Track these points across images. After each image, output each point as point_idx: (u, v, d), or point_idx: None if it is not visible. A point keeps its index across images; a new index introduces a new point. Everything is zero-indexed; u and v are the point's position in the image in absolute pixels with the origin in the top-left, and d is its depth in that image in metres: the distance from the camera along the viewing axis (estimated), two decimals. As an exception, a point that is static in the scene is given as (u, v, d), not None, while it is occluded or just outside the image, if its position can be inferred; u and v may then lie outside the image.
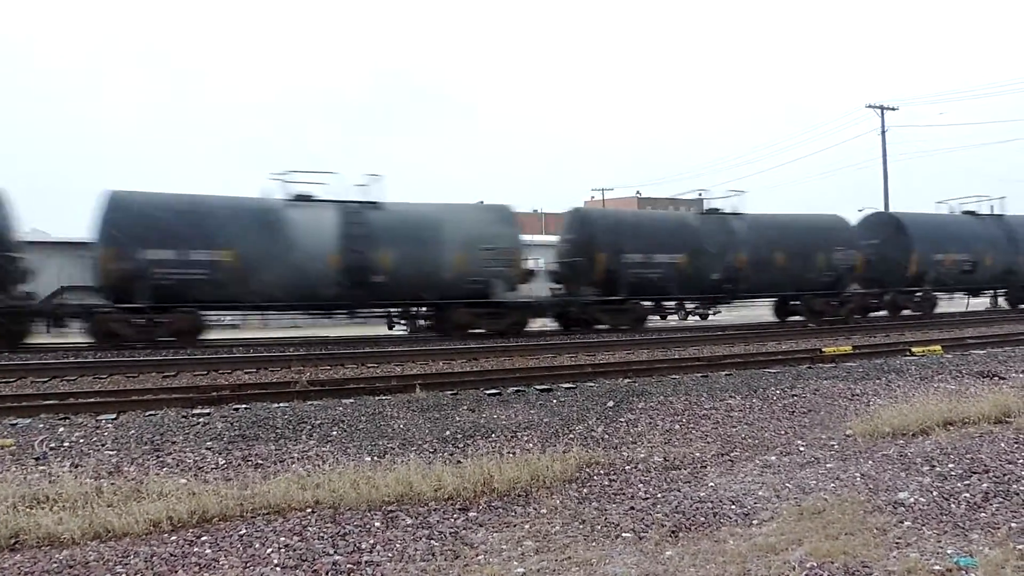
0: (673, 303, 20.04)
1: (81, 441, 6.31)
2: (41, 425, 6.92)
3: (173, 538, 4.13)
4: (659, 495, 4.88)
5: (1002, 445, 5.77)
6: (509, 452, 5.87)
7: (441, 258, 16.56)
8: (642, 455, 5.95)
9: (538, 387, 9.01)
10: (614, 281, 18.34)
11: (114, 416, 7.31)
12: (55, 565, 3.77)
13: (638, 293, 18.72)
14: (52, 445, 6.20)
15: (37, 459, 5.79)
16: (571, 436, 6.59)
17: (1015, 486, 4.74)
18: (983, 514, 4.31)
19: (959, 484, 4.83)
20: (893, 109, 38.79)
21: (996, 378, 9.56)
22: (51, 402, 8.14)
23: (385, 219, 16.30)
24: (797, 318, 21.54)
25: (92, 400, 8.32)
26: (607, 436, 6.64)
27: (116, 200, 14.64)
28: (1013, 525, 4.10)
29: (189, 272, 14.46)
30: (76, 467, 5.52)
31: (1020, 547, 3.74)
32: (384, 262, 15.90)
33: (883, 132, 38.26)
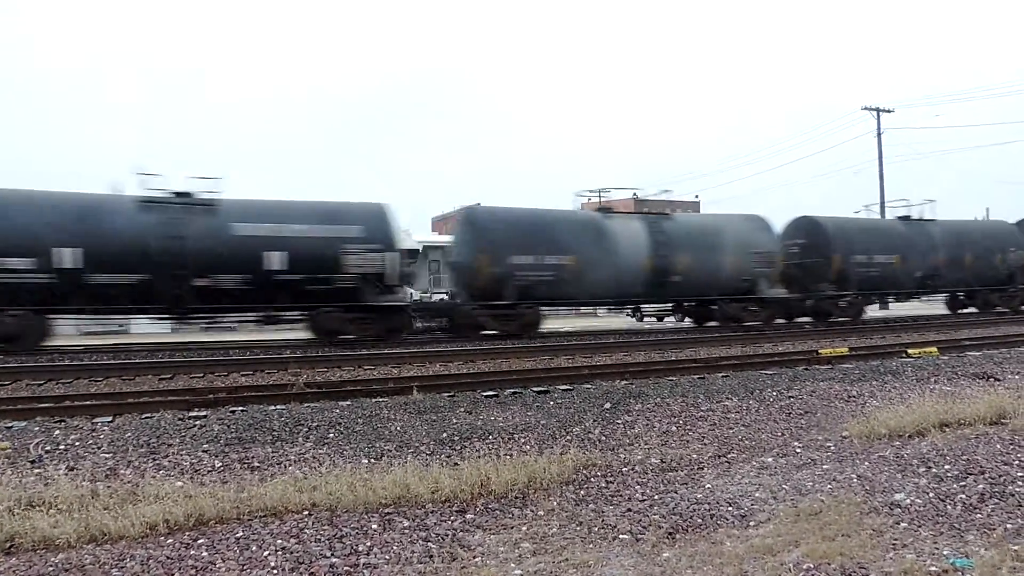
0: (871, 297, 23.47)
1: (77, 444, 6.29)
2: (37, 428, 6.89)
3: (169, 541, 4.12)
4: (656, 497, 4.89)
5: (998, 446, 5.79)
6: (506, 454, 5.87)
7: (721, 261, 19.56)
8: (639, 457, 5.95)
9: (535, 389, 9.01)
10: (845, 279, 21.43)
11: (110, 419, 7.30)
12: (51, 568, 3.76)
13: (862, 289, 21.87)
14: (48, 448, 6.18)
15: (33, 462, 5.77)
16: (568, 438, 6.59)
17: (1011, 487, 4.76)
18: (979, 515, 4.32)
19: (955, 485, 4.85)
20: (889, 111, 38.98)
21: (992, 380, 9.59)
22: (47, 405, 8.12)
23: (677, 228, 19.36)
24: (970, 310, 24.92)
25: (88, 403, 8.29)
26: (604, 438, 6.64)
27: (484, 214, 17.93)
28: (1009, 526, 4.12)
29: (542, 274, 17.23)
30: (72, 470, 5.51)
31: (1016, 548, 3.76)
32: (681, 265, 18.89)
33: (879, 134, 38.42)
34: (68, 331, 18.69)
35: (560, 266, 17.33)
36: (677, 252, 18.80)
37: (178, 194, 15.10)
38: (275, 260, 14.92)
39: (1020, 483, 4.84)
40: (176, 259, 14.36)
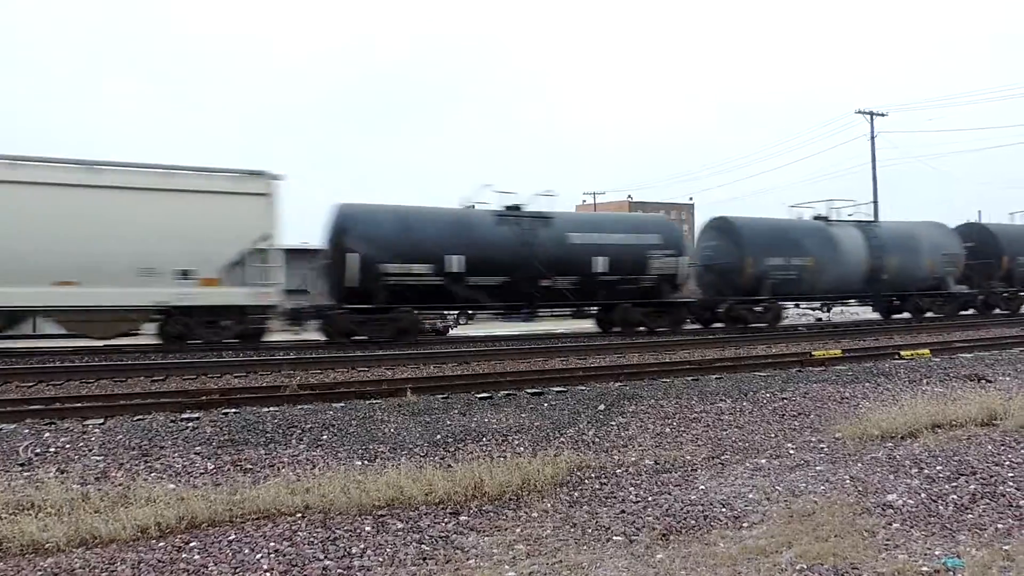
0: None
1: (67, 447, 6.25)
2: (26, 430, 6.83)
3: (161, 544, 4.10)
4: (650, 498, 4.89)
5: (989, 447, 5.82)
6: (500, 456, 5.87)
7: (920, 261, 22.62)
8: (633, 458, 5.96)
9: (529, 391, 9.00)
10: (1011, 276, 24.70)
11: (101, 421, 7.25)
12: (40, 573, 3.73)
13: (1021, 284, 25.25)
14: (37, 451, 6.13)
15: (22, 465, 5.73)
16: (562, 440, 6.59)
17: (1001, 488, 4.79)
18: (970, 515, 4.34)
19: (947, 486, 4.87)
20: (882, 115, 39.15)
21: (983, 381, 9.64)
22: (37, 407, 8.05)
23: (886, 234, 22.55)
24: None
25: (79, 405, 8.23)
26: (598, 440, 6.64)
27: (745, 223, 20.72)
28: (999, 526, 4.14)
29: (788, 274, 20.08)
30: (62, 473, 5.47)
31: (1006, 548, 3.78)
32: (890, 265, 22.01)
33: (872, 138, 38.60)
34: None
35: (802, 267, 20.47)
36: (887, 254, 22.06)
37: (508, 207, 17.84)
38: (600, 264, 17.87)
39: (1010, 483, 4.87)
40: (528, 263, 17.12)
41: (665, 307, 18.87)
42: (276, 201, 14.92)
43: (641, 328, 18.51)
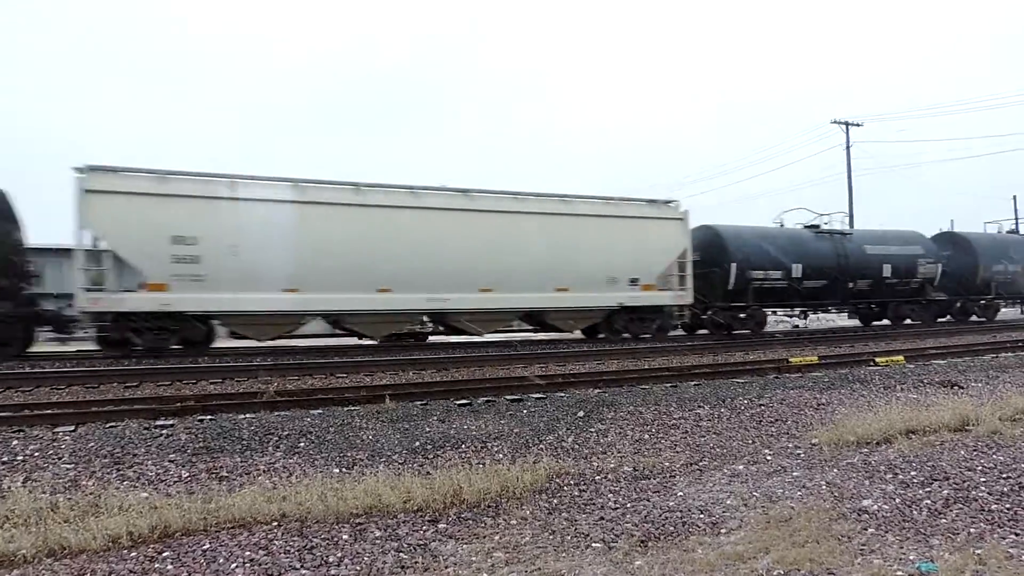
0: None
1: (36, 455, 6.11)
2: (-5, 438, 6.68)
3: (133, 554, 4.02)
4: (629, 505, 4.90)
5: (962, 453, 5.91)
6: (479, 463, 5.85)
7: None
8: (612, 465, 5.97)
9: (508, 397, 8.99)
10: None
11: (72, 428, 7.11)
12: (7, 584, 3.64)
13: None
14: (4, 459, 5.99)
15: (-10, 473, 5.59)
16: (541, 446, 6.58)
17: (974, 492, 4.86)
18: (944, 520, 4.40)
19: (921, 491, 4.93)
20: (858, 125, 39.85)
21: (956, 387, 9.81)
22: (5, 414, 7.87)
23: None
24: None
25: (49, 412, 8.07)
26: (577, 446, 6.64)
27: (974, 236, 25.85)
28: (972, 530, 4.20)
29: (1006, 277, 25.51)
30: (30, 482, 5.35)
31: (978, 552, 3.83)
32: None
33: (847, 147, 39.24)
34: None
35: (1015, 271, 25.69)
36: None
37: (807, 226, 22.36)
38: (886, 270, 22.39)
39: (983, 488, 4.95)
40: (841, 270, 21.55)
41: (924, 304, 23.40)
42: (687, 224, 19.18)
43: (907, 321, 23.16)
